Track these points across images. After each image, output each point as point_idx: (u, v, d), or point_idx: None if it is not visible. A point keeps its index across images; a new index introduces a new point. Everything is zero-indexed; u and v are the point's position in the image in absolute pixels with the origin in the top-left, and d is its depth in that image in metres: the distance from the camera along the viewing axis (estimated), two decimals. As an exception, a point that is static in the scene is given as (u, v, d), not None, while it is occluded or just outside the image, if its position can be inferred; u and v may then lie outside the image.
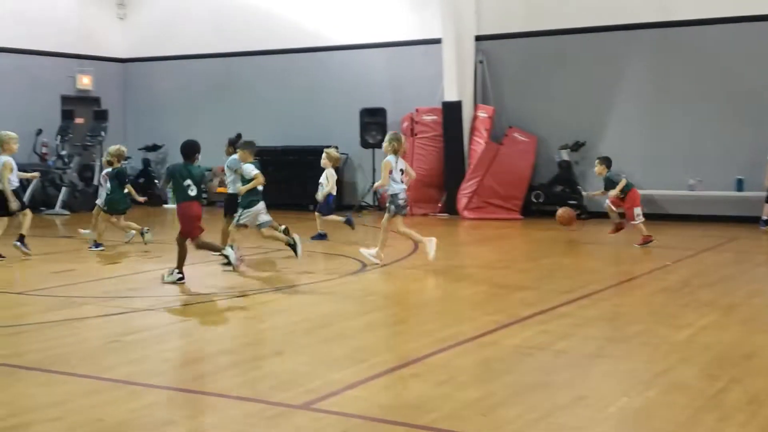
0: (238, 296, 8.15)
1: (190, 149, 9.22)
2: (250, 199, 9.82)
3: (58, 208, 17.16)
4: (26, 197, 12.14)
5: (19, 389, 5.21)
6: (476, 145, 16.16)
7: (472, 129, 16.34)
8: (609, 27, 15.64)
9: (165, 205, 19.02)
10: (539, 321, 7.03)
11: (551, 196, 15.79)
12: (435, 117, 16.57)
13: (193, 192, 8.92)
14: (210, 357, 6.01)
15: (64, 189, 17.45)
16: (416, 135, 16.63)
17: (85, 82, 19.48)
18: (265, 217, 9.97)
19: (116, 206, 11.69)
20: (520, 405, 4.77)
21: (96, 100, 19.75)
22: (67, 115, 18.47)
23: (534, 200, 15.85)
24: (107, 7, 20.17)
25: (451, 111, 16.27)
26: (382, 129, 17.03)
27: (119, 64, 20.47)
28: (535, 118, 16.13)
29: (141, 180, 19.33)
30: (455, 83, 16.19)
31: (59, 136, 18.00)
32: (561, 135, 15.85)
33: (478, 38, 16.56)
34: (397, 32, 17.40)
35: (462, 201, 15.88)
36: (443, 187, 16.56)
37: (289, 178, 17.65)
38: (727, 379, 5.26)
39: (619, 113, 15.66)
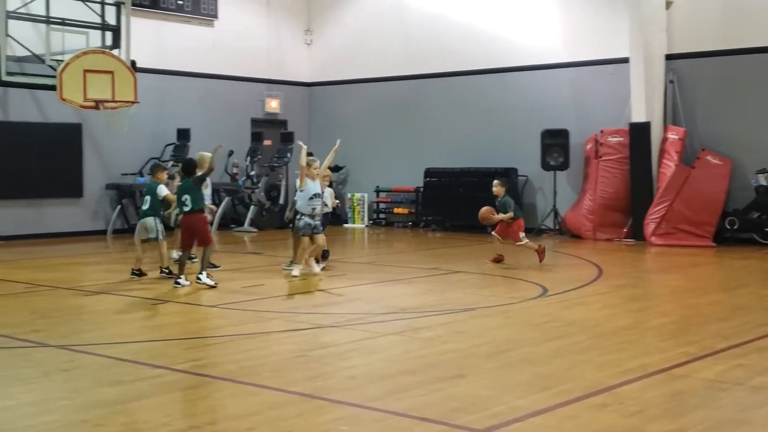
0: (419, 316, 8.18)
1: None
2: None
3: (246, 226, 17.99)
4: (217, 215, 12.72)
5: (214, 399, 5.45)
6: (666, 168, 15.51)
7: (662, 151, 15.70)
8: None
9: (345, 225, 19.53)
10: (734, 354, 6.63)
11: (747, 222, 14.92)
12: (621, 138, 16.07)
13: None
14: (393, 375, 6.04)
15: (252, 207, 18.28)
16: (601, 157, 16.18)
17: (273, 105, 20.35)
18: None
19: None
20: (718, 443, 4.50)
21: (283, 123, 20.59)
22: (256, 138, 19.35)
23: (728, 227, 15.01)
24: (295, 33, 21.01)
25: (639, 132, 15.73)
26: (564, 151, 16.74)
27: (305, 87, 21.25)
28: (730, 141, 15.31)
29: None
30: (644, 104, 15.64)
31: (249, 157, 18.88)
32: (758, 159, 14.96)
33: (669, 57, 15.93)
34: (582, 52, 17.06)
35: (649, 226, 15.27)
36: (629, 212, 16.01)
37: (471, 200, 17.66)
38: None
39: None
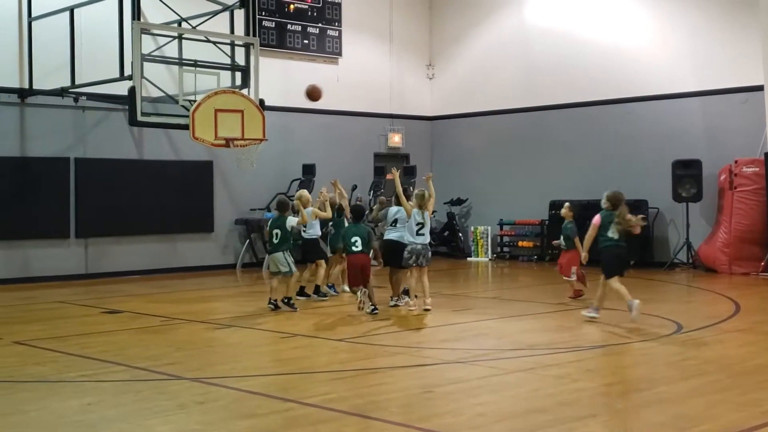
0: (549, 353, 8.01)
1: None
2: None
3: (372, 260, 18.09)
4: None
5: (344, 433, 5.47)
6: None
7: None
8: None
9: (469, 258, 19.40)
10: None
11: None
12: (756, 168, 15.40)
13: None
14: (523, 414, 5.91)
15: (377, 242, 18.38)
16: (735, 188, 15.55)
17: (395, 140, 20.53)
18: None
19: None
20: None
21: (405, 157, 20.73)
22: (379, 172, 19.53)
23: None
24: (418, 68, 21.19)
25: (776, 162, 15.05)
26: (697, 182, 16.17)
27: (427, 122, 21.36)
28: None
29: (446, 233, 19.94)
30: (780, 133, 14.98)
31: (372, 191, 19.07)
32: None
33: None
34: (713, 79, 16.50)
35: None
36: (766, 245, 15.28)
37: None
38: None
39: None
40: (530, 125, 19.34)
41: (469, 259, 19.40)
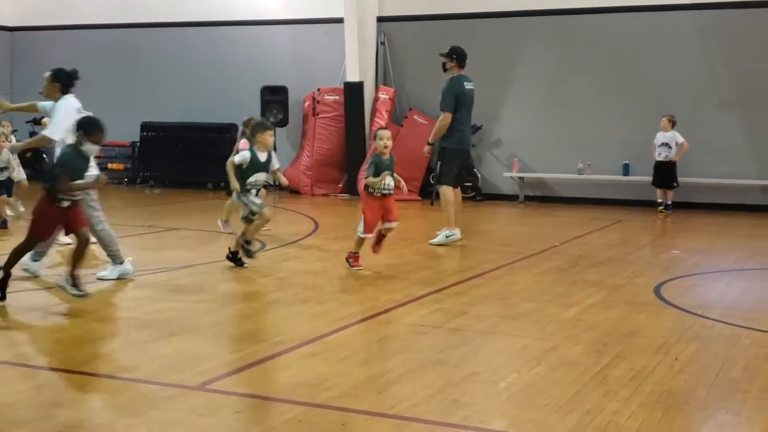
0: (137, 275, 7.99)
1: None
2: None
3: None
4: None
5: None
6: (377, 127, 16.25)
7: (374, 110, 16.44)
8: (511, 12, 15.93)
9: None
10: (434, 300, 7.20)
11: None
12: (337, 97, 16.59)
13: None
14: (99, 340, 5.93)
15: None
16: (318, 115, 16.62)
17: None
18: None
19: None
20: (415, 382, 4.89)
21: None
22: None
23: (432, 182, 16.05)
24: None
25: (353, 92, 16.32)
26: (284, 107, 16.96)
27: (7, 32, 19.67)
28: (436, 102, 16.20)
29: (28, 154, 18.71)
30: (357, 64, 16.22)
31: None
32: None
33: (380, 19, 16.63)
34: (300, 9, 17.29)
35: (363, 182, 15.93)
36: (344, 168, 16.62)
37: (192, 156, 17.46)
38: (612, 355, 5.51)
39: (518, 98, 16.02)
40: (121, 43, 18.72)
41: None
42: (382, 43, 16.67)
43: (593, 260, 9.42)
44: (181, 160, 17.61)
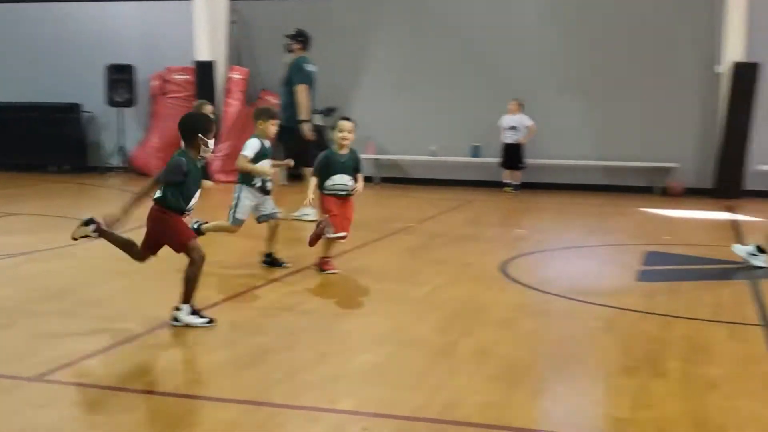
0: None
1: None
2: None
3: None
4: None
5: None
6: (230, 108, 16.00)
7: (227, 91, 16.15)
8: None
9: None
10: (287, 282, 7.16)
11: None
12: (187, 76, 16.19)
13: None
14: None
15: None
16: (167, 95, 16.18)
17: None
18: None
19: None
20: (264, 366, 4.86)
21: None
22: None
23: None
24: None
25: (204, 71, 15.98)
26: (130, 87, 16.42)
27: None
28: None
29: None
30: (207, 42, 15.88)
31: None
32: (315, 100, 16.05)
33: (232, -3, 16.36)
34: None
35: (215, 164, 15.67)
36: (198, 150, 16.24)
37: (33, 137, 16.66)
38: (459, 332, 5.65)
39: (371, 80, 16.13)
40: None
41: None
42: (234, 22, 16.38)
43: (445, 239, 9.62)
44: (24, 142, 16.74)
